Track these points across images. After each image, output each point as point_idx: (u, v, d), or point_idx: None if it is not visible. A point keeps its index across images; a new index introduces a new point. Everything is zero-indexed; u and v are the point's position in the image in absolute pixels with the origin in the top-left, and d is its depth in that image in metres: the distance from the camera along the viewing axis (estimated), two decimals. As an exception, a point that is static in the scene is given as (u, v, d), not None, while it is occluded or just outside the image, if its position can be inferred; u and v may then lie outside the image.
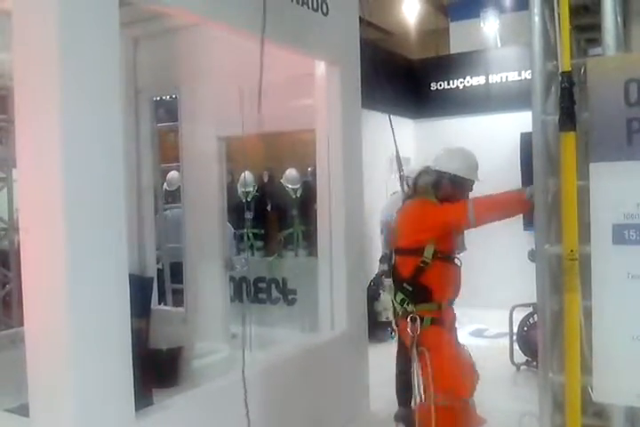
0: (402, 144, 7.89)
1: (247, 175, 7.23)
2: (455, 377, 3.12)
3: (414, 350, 3.11)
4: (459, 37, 8.20)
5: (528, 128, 7.69)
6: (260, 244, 7.37)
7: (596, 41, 2.63)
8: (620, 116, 2.15)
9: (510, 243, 7.31)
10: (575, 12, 2.33)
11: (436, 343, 3.14)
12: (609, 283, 2.20)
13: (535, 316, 5.42)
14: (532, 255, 4.56)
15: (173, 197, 6.15)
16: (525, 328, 5.42)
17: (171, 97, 5.26)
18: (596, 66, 2.18)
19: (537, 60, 2.33)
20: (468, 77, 7.39)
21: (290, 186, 7.33)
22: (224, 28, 3.48)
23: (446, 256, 3.19)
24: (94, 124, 2.41)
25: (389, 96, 6.36)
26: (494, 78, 7.24)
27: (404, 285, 3.18)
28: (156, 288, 4.98)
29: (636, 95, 2.12)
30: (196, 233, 4.89)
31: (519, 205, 2.99)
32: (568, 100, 2.17)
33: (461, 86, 7.48)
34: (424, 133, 7.77)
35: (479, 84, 7.35)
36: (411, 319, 3.11)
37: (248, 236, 7.18)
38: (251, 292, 5.75)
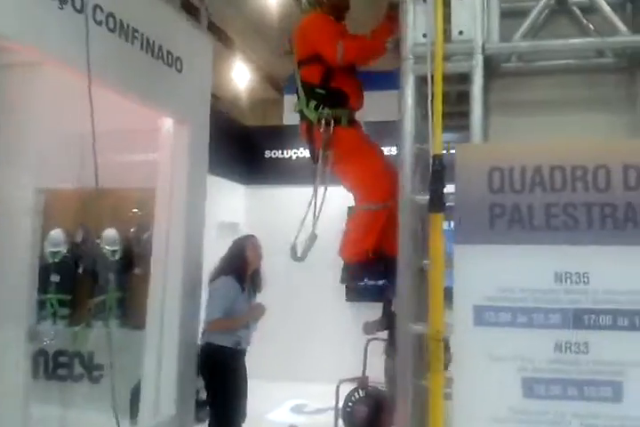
0: (232, 209, 7.83)
1: (56, 233, 6.54)
2: (381, 176, 3.08)
3: (329, 152, 3.07)
4: (292, 109, 8.48)
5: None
6: (65, 311, 6.54)
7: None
8: (484, 202, 2.25)
9: (332, 314, 7.41)
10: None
11: (353, 144, 3.12)
12: (470, 364, 2.21)
13: (360, 391, 5.44)
14: (367, 328, 4.63)
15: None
16: (350, 403, 5.38)
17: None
18: (464, 152, 2.28)
19: (407, 140, 2.39)
20: (301, 149, 7.60)
21: (107, 247, 6.71)
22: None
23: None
24: None
25: (222, 160, 6.27)
26: (326, 153, 7.55)
27: (316, 90, 3.13)
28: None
29: (498, 182, 2.24)
30: (-5, 296, 4.18)
31: (380, 50, 3.12)
32: (439, 182, 2.23)
33: (294, 157, 7.66)
34: (255, 200, 7.75)
35: (310, 157, 7.59)
36: (325, 122, 3.05)
37: (51, 302, 6.44)
38: (49, 367, 5.11)
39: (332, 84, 3.15)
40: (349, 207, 3.60)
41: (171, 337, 3.89)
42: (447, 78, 2.30)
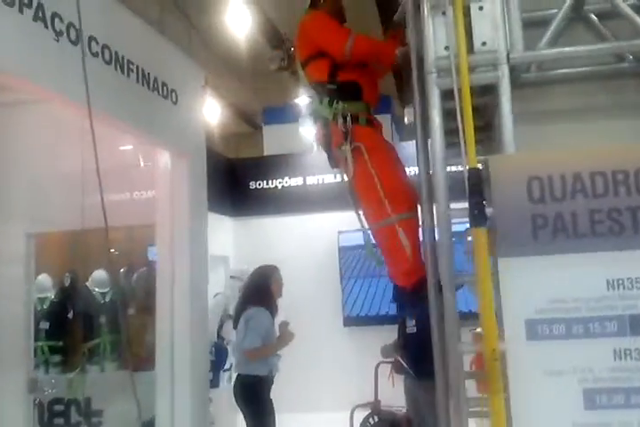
0: (220, 242, 7.69)
1: (42, 278, 6.34)
2: (402, 182, 2.90)
3: (348, 147, 2.81)
4: (272, 140, 8.48)
5: (345, 227, 7.93)
6: (57, 358, 6.32)
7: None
8: (525, 213, 2.20)
9: (330, 340, 7.26)
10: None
11: (374, 143, 2.89)
12: (527, 381, 2.13)
13: (375, 416, 5.29)
14: (385, 352, 4.49)
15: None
16: (367, 430, 5.23)
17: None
18: (499, 163, 2.24)
19: (438, 156, 2.33)
20: (286, 178, 7.55)
21: (97, 289, 6.50)
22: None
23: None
24: None
25: (207, 193, 6.15)
26: (311, 180, 7.50)
27: (328, 86, 2.97)
28: None
29: (538, 192, 2.19)
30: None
31: (391, 55, 2.98)
32: (478, 195, 2.17)
33: (280, 186, 7.60)
34: (243, 232, 7.63)
35: (297, 185, 7.55)
36: (342, 117, 2.85)
37: (42, 349, 6.18)
38: (44, 417, 4.83)
39: (342, 77, 2.99)
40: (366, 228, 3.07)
41: (182, 377, 3.71)
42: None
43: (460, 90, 2.24)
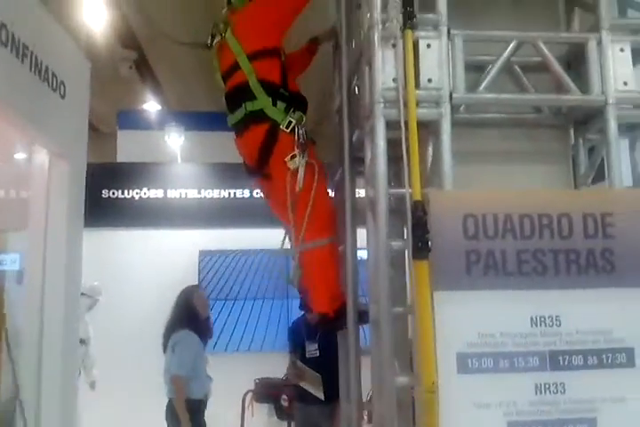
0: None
1: None
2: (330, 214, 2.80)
3: (303, 161, 2.65)
4: (127, 146, 7.91)
5: (207, 246, 7.65)
6: None
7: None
8: (460, 248, 2.26)
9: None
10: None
11: (320, 164, 2.77)
12: (456, 413, 2.17)
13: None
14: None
15: None
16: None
17: None
18: (438, 198, 2.28)
19: (381, 185, 2.32)
20: (144, 189, 7.08)
21: None
22: None
23: None
24: None
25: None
26: (173, 193, 7.12)
27: (280, 91, 2.76)
28: None
29: (473, 229, 2.27)
30: None
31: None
32: (423, 228, 2.19)
33: (137, 197, 7.10)
34: (94, 244, 6.97)
35: (157, 198, 7.11)
36: (301, 128, 2.71)
37: None
38: None
39: (291, 86, 2.85)
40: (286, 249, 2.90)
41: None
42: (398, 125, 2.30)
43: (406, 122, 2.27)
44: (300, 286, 2.81)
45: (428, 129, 2.40)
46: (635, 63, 2.42)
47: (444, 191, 2.32)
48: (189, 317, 4.36)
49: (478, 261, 2.27)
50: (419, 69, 2.33)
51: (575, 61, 2.51)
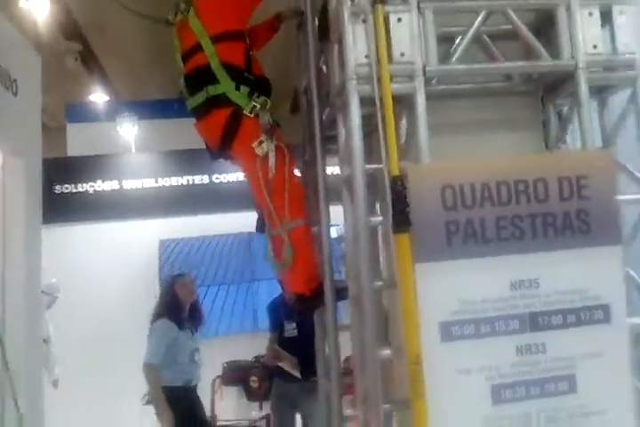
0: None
1: None
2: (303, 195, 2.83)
3: (272, 145, 2.63)
4: (77, 140, 7.68)
5: (166, 235, 7.59)
6: None
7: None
8: (439, 219, 2.30)
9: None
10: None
11: (288, 147, 2.76)
12: (441, 381, 2.22)
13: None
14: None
15: None
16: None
17: None
18: (416, 172, 2.31)
19: (357, 162, 2.33)
20: (99, 181, 6.91)
21: None
22: None
23: None
24: None
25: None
26: (129, 184, 6.97)
27: (245, 75, 2.72)
28: None
29: (451, 200, 2.31)
30: None
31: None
32: (403, 202, 2.22)
33: (91, 191, 6.92)
34: (49, 241, 6.76)
35: (112, 190, 6.95)
36: (267, 112, 2.69)
37: None
38: None
39: (255, 70, 2.80)
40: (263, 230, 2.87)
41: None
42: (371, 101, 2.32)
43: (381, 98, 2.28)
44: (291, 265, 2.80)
45: (401, 103, 2.43)
46: (602, 25, 2.49)
47: (423, 165, 2.36)
48: (168, 306, 4.37)
49: (457, 231, 2.31)
50: (390, 44, 2.35)
51: (544, 28, 2.57)
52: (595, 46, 2.48)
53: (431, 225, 2.29)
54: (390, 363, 2.38)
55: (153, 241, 6.83)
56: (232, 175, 6.95)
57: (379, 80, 2.30)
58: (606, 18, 2.54)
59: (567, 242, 2.35)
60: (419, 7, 2.37)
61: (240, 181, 6.44)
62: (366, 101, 2.35)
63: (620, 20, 2.51)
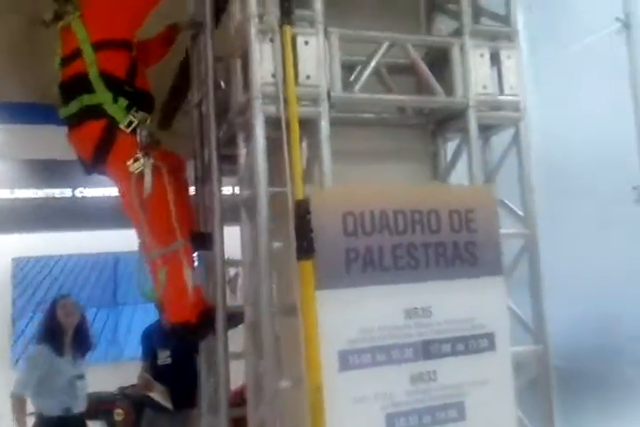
0: None
1: None
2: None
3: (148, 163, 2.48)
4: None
5: (21, 253, 6.98)
6: None
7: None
8: (340, 246, 2.27)
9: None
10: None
11: (172, 167, 2.67)
12: (338, 409, 2.17)
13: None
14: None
15: None
16: None
17: None
18: (318, 197, 2.26)
19: (261, 185, 2.25)
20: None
21: None
22: None
23: None
24: None
25: None
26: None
27: (125, 87, 2.56)
28: None
29: (352, 226, 2.29)
30: None
31: None
32: (306, 229, 2.16)
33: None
34: None
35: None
36: (145, 129, 2.55)
37: None
38: None
39: (138, 83, 2.64)
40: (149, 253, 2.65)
41: None
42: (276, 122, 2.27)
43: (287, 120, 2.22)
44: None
45: (304, 127, 2.38)
46: (490, 67, 2.64)
47: (325, 190, 2.32)
48: (46, 331, 4.10)
49: (357, 259, 2.29)
50: (297, 66, 2.31)
51: (436, 64, 2.66)
52: (484, 86, 2.62)
53: (332, 252, 2.26)
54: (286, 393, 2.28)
55: (5, 260, 6.17)
56: (98, 190, 6.51)
57: (285, 101, 2.24)
58: (494, 60, 2.70)
59: (457, 272, 2.43)
60: (325, 31, 2.36)
61: (107, 197, 6.05)
62: (270, 122, 2.28)
63: (507, 62, 2.68)
